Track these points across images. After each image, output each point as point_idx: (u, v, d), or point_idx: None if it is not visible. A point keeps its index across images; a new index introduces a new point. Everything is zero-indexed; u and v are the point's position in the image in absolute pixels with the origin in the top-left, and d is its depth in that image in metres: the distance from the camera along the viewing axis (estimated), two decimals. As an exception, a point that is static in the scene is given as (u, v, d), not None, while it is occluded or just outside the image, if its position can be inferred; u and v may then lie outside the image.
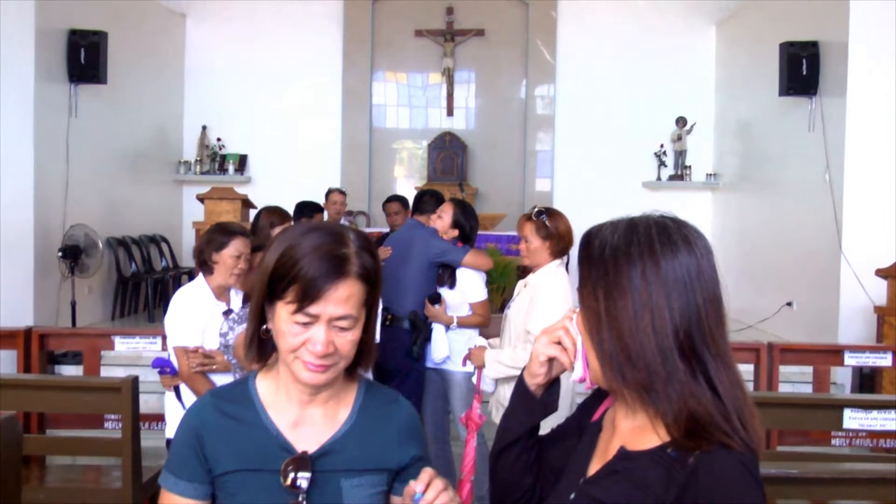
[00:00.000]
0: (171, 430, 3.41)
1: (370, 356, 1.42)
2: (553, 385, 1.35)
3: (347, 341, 1.32)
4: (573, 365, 1.24)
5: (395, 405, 1.47)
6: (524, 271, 3.69)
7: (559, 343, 1.27)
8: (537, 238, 3.38)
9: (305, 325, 1.30)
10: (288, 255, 1.30)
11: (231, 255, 3.27)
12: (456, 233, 4.24)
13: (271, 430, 1.38)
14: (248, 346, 1.40)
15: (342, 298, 1.29)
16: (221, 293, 3.34)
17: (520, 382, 1.37)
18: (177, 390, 3.37)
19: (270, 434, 1.37)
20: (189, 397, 3.29)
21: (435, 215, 4.34)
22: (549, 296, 3.34)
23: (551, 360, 1.31)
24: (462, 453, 4.53)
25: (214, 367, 3.20)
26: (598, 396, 1.36)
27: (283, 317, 1.30)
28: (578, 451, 1.31)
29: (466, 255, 4.20)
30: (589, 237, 1.22)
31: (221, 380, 3.24)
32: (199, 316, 3.27)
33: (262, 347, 1.39)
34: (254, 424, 1.38)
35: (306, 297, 1.28)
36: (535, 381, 1.34)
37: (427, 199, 4.66)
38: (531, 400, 1.35)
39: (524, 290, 3.49)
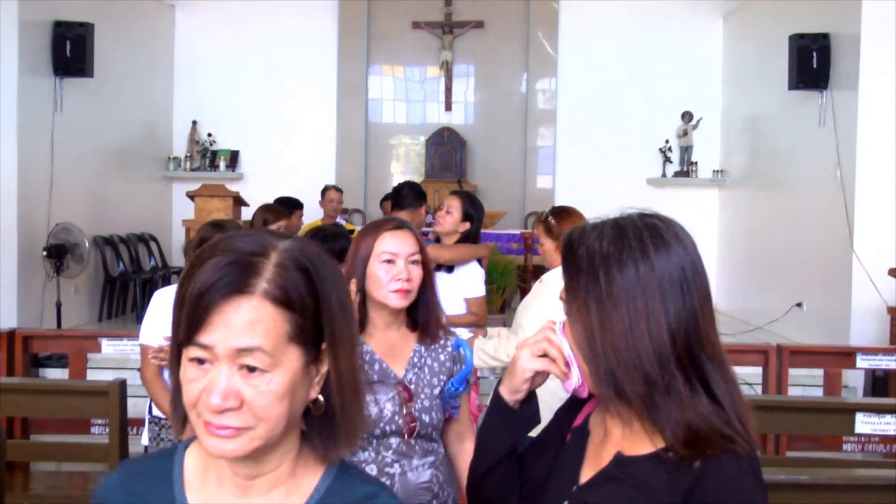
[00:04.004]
0: (146, 437, 3.37)
1: (348, 428, 1.00)
2: (530, 397, 1.30)
3: (261, 393, 0.92)
4: (566, 374, 1.20)
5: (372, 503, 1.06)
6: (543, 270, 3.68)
7: (544, 355, 1.22)
8: (548, 239, 3.38)
9: (202, 363, 0.93)
10: (189, 266, 0.96)
11: None
12: (468, 226, 4.04)
13: None
14: (172, 402, 1.00)
15: (244, 324, 0.91)
16: None
17: (496, 399, 1.30)
18: None
19: None
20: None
21: (443, 211, 4.16)
22: (551, 294, 3.20)
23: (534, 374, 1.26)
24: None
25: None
26: (576, 402, 1.31)
27: (183, 356, 0.95)
28: (564, 457, 1.27)
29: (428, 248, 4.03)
30: (571, 244, 1.17)
31: None
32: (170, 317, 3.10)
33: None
34: None
35: (193, 320, 0.92)
36: (516, 398, 1.28)
37: (406, 193, 4.53)
38: (511, 415, 1.30)
39: (538, 286, 3.46)
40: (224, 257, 0.93)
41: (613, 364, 1.10)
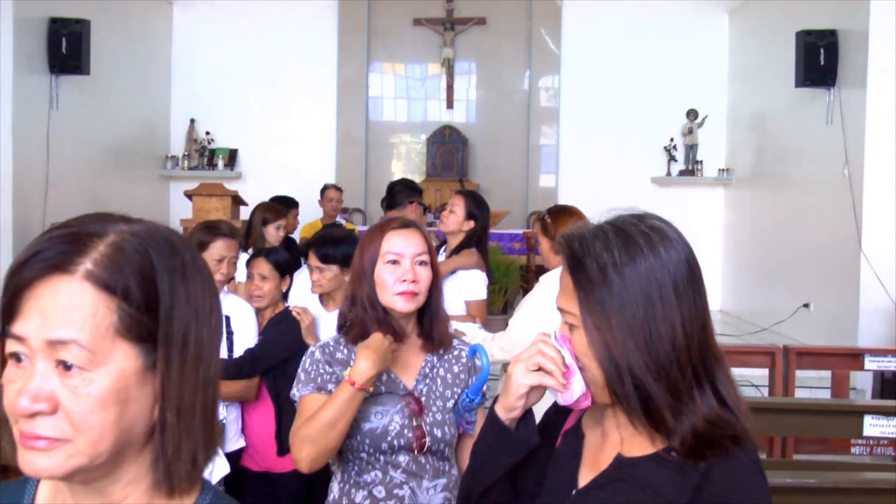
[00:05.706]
0: None
1: (163, 454, 0.81)
2: (527, 415, 1.26)
3: (78, 396, 0.76)
4: (565, 386, 1.15)
5: None
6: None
7: (539, 369, 1.17)
8: (545, 239, 3.34)
9: (20, 362, 0.77)
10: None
11: (212, 257, 3.03)
12: (472, 225, 3.98)
13: None
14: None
15: (59, 310, 0.76)
16: None
17: (492, 419, 1.26)
18: None
19: None
20: None
21: (447, 210, 4.09)
22: (543, 296, 3.18)
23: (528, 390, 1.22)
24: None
25: None
26: (561, 409, 1.29)
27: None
28: (558, 461, 1.25)
29: None
30: (574, 255, 1.12)
31: None
32: None
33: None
34: None
35: (6, 303, 0.78)
36: (512, 416, 1.24)
37: (399, 190, 4.49)
38: (508, 435, 1.25)
39: (535, 287, 3.42)
40: (57, 232, 0.78)
41: (640, 376, 1.07)
